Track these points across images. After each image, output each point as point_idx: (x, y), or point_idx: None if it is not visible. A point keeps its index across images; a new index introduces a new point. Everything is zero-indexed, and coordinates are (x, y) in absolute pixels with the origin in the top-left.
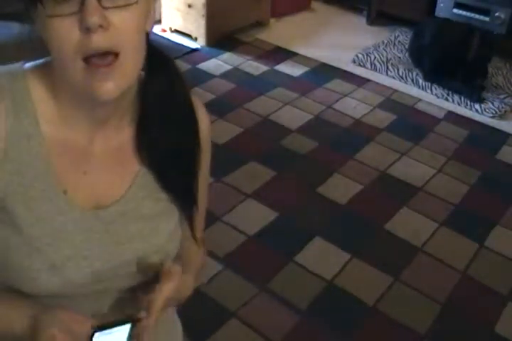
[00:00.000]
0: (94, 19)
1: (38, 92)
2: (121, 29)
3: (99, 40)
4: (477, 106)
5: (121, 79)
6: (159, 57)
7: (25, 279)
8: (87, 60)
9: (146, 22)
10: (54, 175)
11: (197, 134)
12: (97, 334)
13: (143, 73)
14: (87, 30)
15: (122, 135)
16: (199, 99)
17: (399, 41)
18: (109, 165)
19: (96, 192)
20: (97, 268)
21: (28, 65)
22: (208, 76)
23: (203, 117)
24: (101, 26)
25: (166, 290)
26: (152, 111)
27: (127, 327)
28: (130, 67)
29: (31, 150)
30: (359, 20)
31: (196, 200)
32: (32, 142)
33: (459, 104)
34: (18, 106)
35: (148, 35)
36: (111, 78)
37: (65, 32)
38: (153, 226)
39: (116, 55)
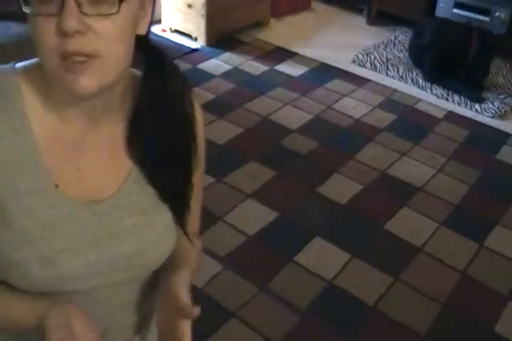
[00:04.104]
0: (71, 24)
1: (28, 89)
2: (100, 35)
3: (75, 45)
4: (477, 106)
5: (98, 76)
6: (156, 56)
7: (17, 274)
8: (63, 57)
9: (135, 27)
10: (44, 170)
11: (194, 136)
12: None
13: (140, 70)
14: (63, 34)
15: (115, 131)
16: (194, 98)
17: (399, 41)
18: (102, 161)
19: (89, 186)
20: (91, 261)
21: (19, 64)
22: (208, 76)
23: (199, 117)
24: (78, 32)
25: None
26: (145, 109)
27: None
28: (108, 70)
29: (20, 144)
30: (359, 20)
31: (188, 202)
32: (20, 136)
33: (459, 104)
34: (7, 102)
35: (147, 35)
36: (87, 74)
37: (43, 31)
38: (149, 220)
39: (93, 56)
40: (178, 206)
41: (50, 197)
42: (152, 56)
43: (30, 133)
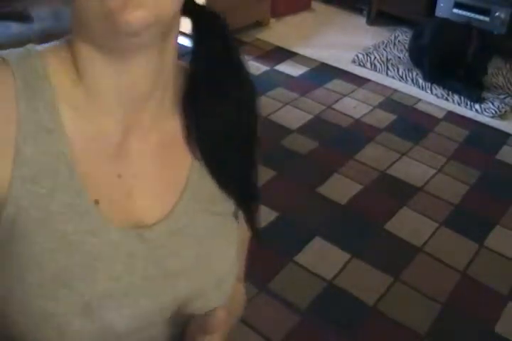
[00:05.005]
0: None
1: (57, 73)
2: None
3: None
4: (477, 106)
5: (152, 6)
6: (207, 17)
7: (49, 330)
8: None
9: None
10: (81, 181)
11: (256, 110)
12: None
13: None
14: None
15: (164, 123)
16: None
17: (399, 41)
18: (150, 164)
19: (136, 202)
20: (143, 308)
21: (39, 46)
22: None
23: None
24: None
25: None
26: (203, 84)
27: None
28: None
29: (51, 148)
30: (359, 20)
31: (259, 194)
32: (51, 140)
33: (458, 104)
34: (32, 89)
35: None
36: (141, 4)
37: None
38: (212, 249)
39: None
40: (248, 201)
41: (90, 221)
42: (202, 18)
43: (63, 134)
